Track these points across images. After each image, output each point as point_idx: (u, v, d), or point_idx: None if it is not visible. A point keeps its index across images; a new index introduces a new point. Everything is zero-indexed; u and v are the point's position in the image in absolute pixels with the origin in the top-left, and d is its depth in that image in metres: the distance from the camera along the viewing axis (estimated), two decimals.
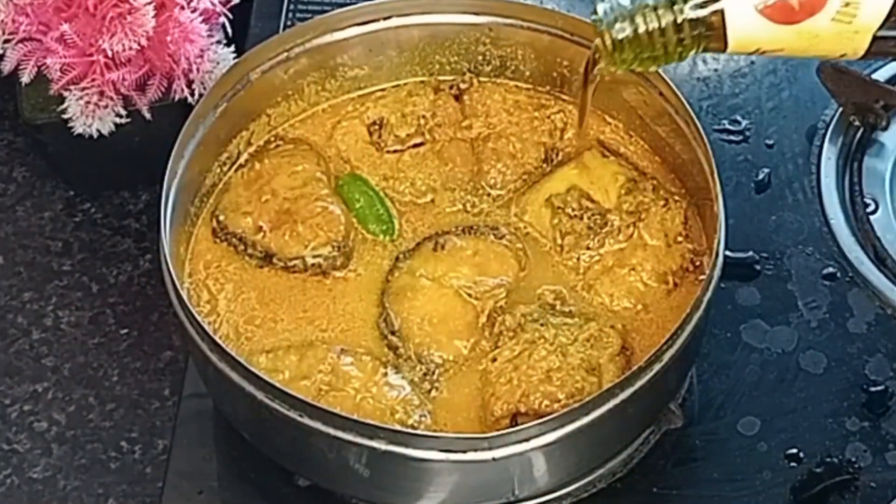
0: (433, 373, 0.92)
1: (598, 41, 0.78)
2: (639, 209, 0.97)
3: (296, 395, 0.84)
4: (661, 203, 0.97)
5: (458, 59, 1.04)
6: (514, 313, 0.93)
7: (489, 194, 1.01)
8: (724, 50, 0.74)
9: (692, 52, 0.75)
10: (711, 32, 0.73)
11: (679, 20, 0.73)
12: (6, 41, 1.08)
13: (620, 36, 0.75)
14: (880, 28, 0.72)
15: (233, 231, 0.98)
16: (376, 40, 1.02)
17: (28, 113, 1.13)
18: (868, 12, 0.72)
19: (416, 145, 1.03)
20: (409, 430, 0.87)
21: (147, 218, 1.20)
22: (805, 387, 1.00)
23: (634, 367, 0.85)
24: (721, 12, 0.72)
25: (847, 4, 0.71)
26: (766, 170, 1.12)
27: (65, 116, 1.09)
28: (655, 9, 0.74)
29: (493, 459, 0.83)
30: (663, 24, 0.74)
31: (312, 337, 0.94)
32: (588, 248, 0.96)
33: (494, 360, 0.91)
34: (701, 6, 0.73)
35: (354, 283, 0.97)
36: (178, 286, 0.88)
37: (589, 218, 0.97)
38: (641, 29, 0.75)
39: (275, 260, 0.97)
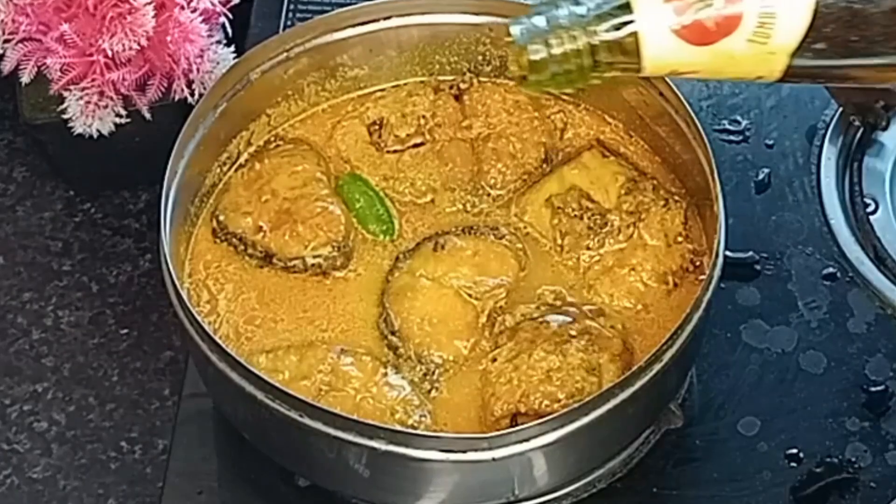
0: (433, 373, 0.92)
1: (511, 64, 0.76)
2: (639, 209, 0.97)
3: (296, 395, 0.84)
4: (661, 203, 0.97)
5: (458, 59, 1.04)
6: (514, 313, 0.93)
7: (489, 194, 1.01)
8: (638, 71, 0.73)
9: (608, 74, 0.74)
10: (626, 54, 0.72)
11: (594, 42, 0.72)
12: (6, 41, 1.08)
13: (535, 57, 0.73)
14: (797, 50, 0.71)
15: (233, 231, 0.97)
16: (376, 40, 1.02)
17: (28, 113, 1.13)
18: (783, 33, 0.70)
19: (416, 145, 1.03)
20: (409, 430, 0.87)
21: (147, 218, 1.20)
22: (805, 387, 1.00)
23: (634, 368, 0.85)
24: (636, 34, 0.71)
25: (762, 25, 0.70)
26: (766, 170, 1.12)
27: (65, 116, 1.09)
28: (570, 30, 0.72)
29: (493, 459, 0.83)
30: (578, 47, 0.72)
31: (312, 337, 0.94)
32: (588, 249, 0.96)
33: (494, 360, 0.91)
34: (616, 28, 0.71)
35: (354, 284, 0.97)
36: (178, 286, 0.88)
37: (589, 218, 0.97)
38: (556, 51, 0.73)
39: (275, 260, 0.97)
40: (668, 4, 0.70)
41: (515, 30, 0.74)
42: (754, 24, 0.70)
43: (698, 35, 0.70)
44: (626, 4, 0.71)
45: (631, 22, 0.71)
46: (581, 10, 0.72)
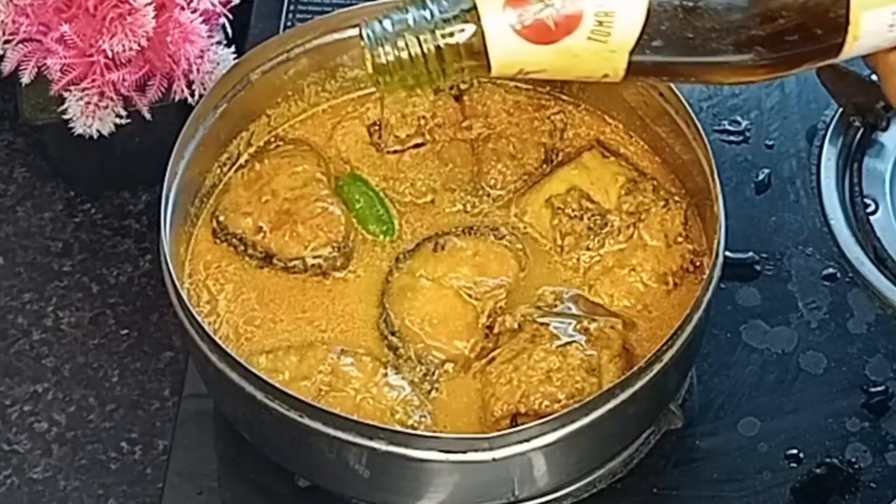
0: (433, 373, 0.92)
1: (366, 65, 0.77)
2: (639, 210, 0.97)
3: (296, 395, 0.84)
4: (661, 203, 0.97)
5: None
6: (514, 314, 0.93)
7: (489, 194, 1.01)
8: (487, 72, 0.74)
9: (456, 76, 0.75)
10: (473, 56, 0.73)
11: (441, 45, 0.73)
12: (6, 42, 1.08)
13: (381, 60, 0.75)
14: (636, 47, 0.73)
15: (233, 231, 0.98)
16: None
17: (28, 113, 1.13)
18: (621, 31, 0.72)
19: (416, 146, 1.03)
20: (409, 431, 0.87)
21: (147, 218, 1.20)
22: (805, 387, 1.00)
23: (634, 368, 0.85)
24: (481, 36, 0.72)
25: (601, 24, 0.72)
26: (766, 170, 1.12)
27: (65, 117, 1.09)
28: (417, 34, 0.73)
29: (494, 460, 0.83)
30: (425, 49, 0.74)
31: (312, 337, 0.94)
32: (588, 249, 0.96)
33: (494, 360, 0.91)
34: (460, 30, 0.73)
35: (354, 284, 0.97)
36: (178, 286, 0.88)
37: (589, 218, 0.97)
38: (404, 54, 0.74)
39: (275, 260, 0.97)
40: (510, 6, 0.71)
41: (364, 33, 0.75)
42: (593, 23, 0.72)
43: (540, 34, 0.72)
44: (471, 8, 0.72)
45: (476, 24, 0.72)
46: (427, 13, 0.73)
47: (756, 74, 0.76)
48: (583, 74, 0.75)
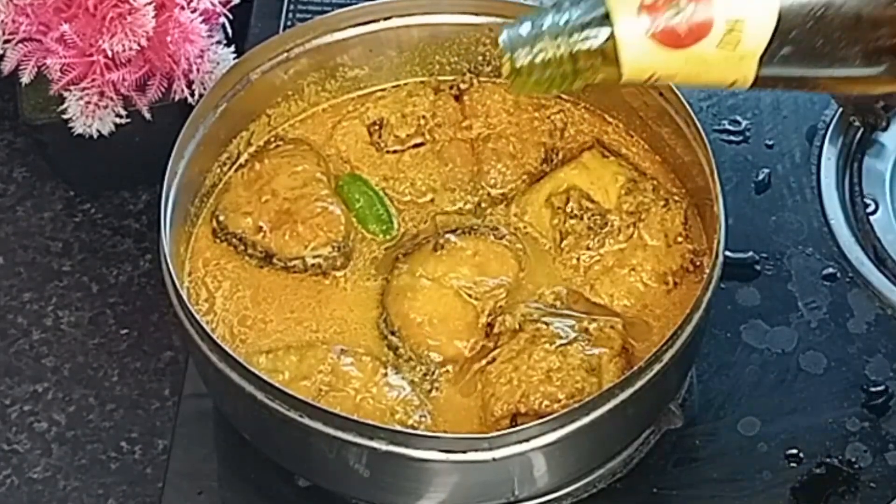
0: (433, 373, 0.92)
1: (503, 68, 0.80)
2: (639, 209, 0.97)
3: (296, 395, 0.84)
4: (661, 203, 0.97)
5: (458, 60, 1.04)
6: (514, 313, 0.93)
7: (489, 194, 1.01)
8: (619, 77, 0.76)
9: (589, 80, 0.77)
10: (606, 61, 0.75)
11: (575, 50, 0.75)
12: (6, 41, 1.08)
13: (519, 63, 0.77)
14: (765, 55, 0.74)
15: (233, 231, 0.98)
16: (376, 40, 1.02)
17: (28, 113, 1.13)
18: (751, 38, 0.73)
19: (416, 145, 1.03)
20: (409, 431, 0.87)
21: (147, 218, 1.20)
22: (805, 387, 1.00)
23: (634, 368, 0.85)
24: (614, 41, 0.74)
25: (731, 31, 0.73)
26: (766, 170, 1.12)
27: (65, 117, 1.09)
28: (554, 38, 0.76)
29: (494, 460, 0.83)
30: (560, 54, 0.76)
31: (311, 337, 0.94)
32: (588, 249, 0.96)
33: (494, 360, 0.91)
34: (595, 35, 0.75)
35: (354, 284, 0.97)
36: (178, 286, 0.88)
37: (589, 218, 0.97)
38: (539, 58, 0.76)
39: (275, 260, 0.97)
40: (644, 12, 0.73)
41: (503, 36, 0.77)
42: (723, 30, 0.73)
43: (672, 40, 0.74)
44: (606, 14, 0.74)
45: (609, 29, 0.74)
46: (564, 18, 0.75)
47: (882, 85, 0.77)
48: (711, 81, 0.76)
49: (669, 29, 0.73)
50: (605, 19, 0.74)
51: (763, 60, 0.74)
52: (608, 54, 0.75)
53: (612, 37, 0.74)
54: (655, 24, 0.73)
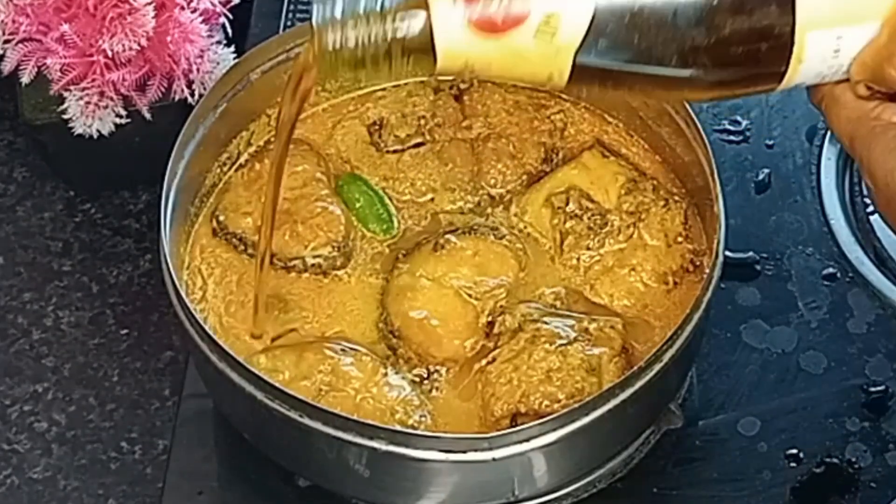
0: (433, 373, 0.92)
1: (304, 52, 0.77)
2: (639, 209, 0.97)
3: (296, 395, 0.84)
4: (661, 203, 0.97)
5: None
6: (514, 313, 0.93)
7: (489, 194, 1.01)
8: (433, 65, 0.74)
9: (401, 66, 0.75)
10: (420, 47, 0.73)
11: (388, 32, 0.73)
12: (6, 41, 1.08)
13: (329, 45, 0.74)
14: (580, 49, 0.72)
15: (233, 231, 0.98)
16: None
17: (28, 113, 1.13)
18: (567, 30, 0.72)
19: (416, 145, 1.03)
20: (410, 431, 0.87)
21: (147, 218, 1.20)
22: (805, 387, 1.00)
23: (634, 368, 0.85)
24: (429, 26, 0.72)
25: (548, 21, 0.72)
26: (767, 170, 1.12)
27: (65, 117, 1.09)
28: (366, 19, 0.73)
29: (494, 460, 0.83)
30: (372, 36, 0.73)
31: (312, 337, 0.94)
32: (588, 249, 0.96)
33: (494, 360, 0.91)
34: (410, 19, 0.73)
35: (354, 284, 0.97)
36: (178, 286, 0.88)
37: (589, 218, 0.97)
38: (351, 41, 0.74)
39: (275, 260, 0.97)
40: (461, 0, 0.72)
41: (314, 17, 0.74)
42: (540, 20, 0.72)
43: (487, 26, 0.72)
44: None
45: (424, 13, 0.72)
46: (379, 1, 0.73)
47: (699, 91, 0.76)
48: (527, 74, 0.75)
49: (485, 14, 0.72)
50: (421, 3, 0.72)
51: (579, 55, 0.72)
52: (421, 40, 0.73)
53: (427, 22, 0.72)
54: (472, 10, 0.72)
